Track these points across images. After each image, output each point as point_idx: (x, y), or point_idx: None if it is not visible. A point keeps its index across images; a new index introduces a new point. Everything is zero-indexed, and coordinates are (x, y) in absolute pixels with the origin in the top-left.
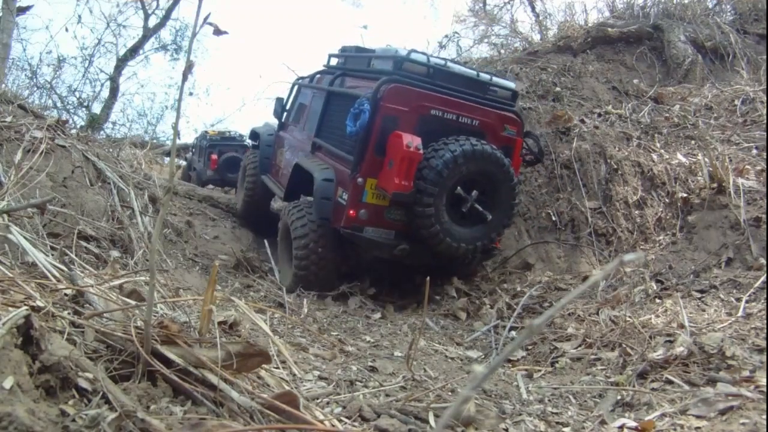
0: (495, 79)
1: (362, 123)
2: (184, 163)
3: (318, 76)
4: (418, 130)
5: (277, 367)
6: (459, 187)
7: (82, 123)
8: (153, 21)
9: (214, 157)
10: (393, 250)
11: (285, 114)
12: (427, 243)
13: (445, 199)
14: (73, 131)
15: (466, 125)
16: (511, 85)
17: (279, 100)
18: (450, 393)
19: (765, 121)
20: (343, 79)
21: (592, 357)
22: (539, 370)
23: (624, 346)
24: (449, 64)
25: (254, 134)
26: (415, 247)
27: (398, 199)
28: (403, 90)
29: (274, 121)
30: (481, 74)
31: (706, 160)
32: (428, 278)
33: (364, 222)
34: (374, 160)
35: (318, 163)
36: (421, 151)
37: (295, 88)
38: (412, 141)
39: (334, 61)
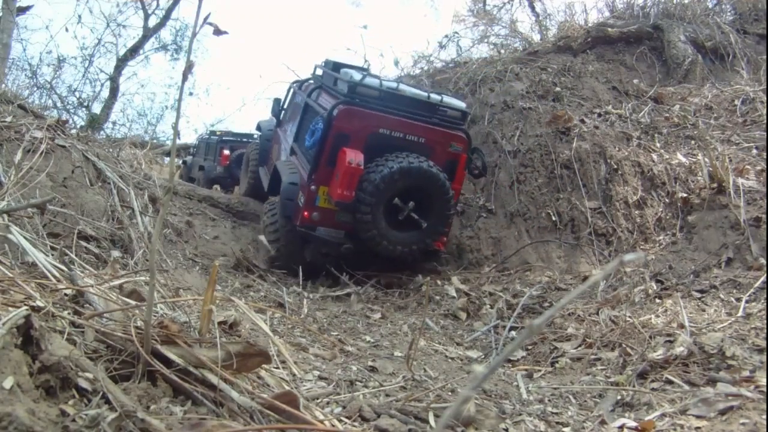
0: (446, 100)
1: (315, 140)
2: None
3: (306, 83)
4: (367, 146)
5: (277, 367)
6: (397, 198)
7: (82, 123)
8: (153, 21)
9: (226, 153)
10: (340, 247)
11: (282, 113)
12: (368, 244)
13: (382, 208)
14: (73, 131)
15: (412, 142)
16: (461, 105)
17: (276, 100)
18: (450, 393)
19: (765, 121)
20: (319, 93)
21: (592, 357)
22: (539, 370)
23: (624, 346)
24: (401, 86)
25: (259, 127)
26: (360, 246)
27: (340, 207)
28: (354, 111)
29: None
30: (432, 96)
31: (706, 160)
32: (428, 278)
33: (316, 222)
34: (326, 170)
35: (290, 166)
36: (362, 167)
37: (291, 90)
38: (354, 158)
39: (319, 72)
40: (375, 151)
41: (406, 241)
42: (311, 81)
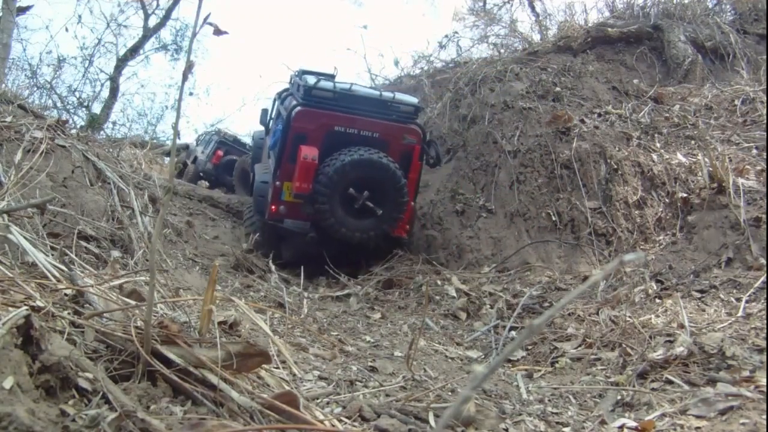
0: (398, 97)
1: (276, 140)
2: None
3: (284, 93)
4: (326, 143)
5: (277, 367)
6: (351, 188)
7: (82, 123)
8: (153, 21)
9: (220, 153)
10: (305, 237)
11: (270, 121)
12: (328, 232)
13: (338, 198)
14: (73, 131)
15: (368, 137)
16: (413, 101)
17: (264, 110)
18: (450, 393)
19: (765, 121)
20: (290, 99)
21: (592, 357)
22: (539, 370)
23: (624, 346)
24: (354, 87)
25: (253, 137)
26: (324, 236)
27: (299, 199)
28: (309, 112)
29: None
30: (384, 94)
31: (706, 160)
32: (428, 278)
33: (283, 215)
34: (289, 167)
35: (264, 168)
36: (316, 161)
37: (275, 100)
38: (308, 153)
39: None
40: (334, 147)
41: (364, 227)
42: (287, 89)
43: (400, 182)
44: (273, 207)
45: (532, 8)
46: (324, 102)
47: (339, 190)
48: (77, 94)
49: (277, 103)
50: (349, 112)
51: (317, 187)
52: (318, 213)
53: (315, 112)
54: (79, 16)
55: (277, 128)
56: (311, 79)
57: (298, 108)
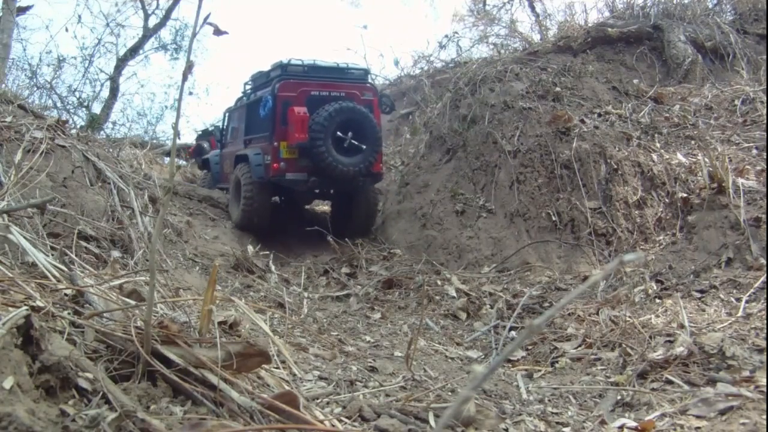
0: (351, 65)
1: (267, 109)
2: (183, 163)
3: (239, 100)
4: (306, 105)
5: (277, 367)
6: (339, 132)
7: (82, 123)
8: (153, 21)
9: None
10: (307, 183)
11: (222, 137)
12: (326, 172)
13: (330, 141)
14: (73, 131)
15: (336, 96)
16: (364, 66)
17: (217, 127)
18: (450, 393)
19: (765, 121)
20: (256, 93)
21: (592, 357)
22: (539, 370)
23: (624, 346)
24: (317, 62)
25: (206, 161)
26: (321, 178)
27: (300, 146)
28: (290, 83)
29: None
30: (340, 64)
31: (706, 160)
32: (428, 278)
33: (284, 170)
34: (282, 129)
35: (250, 148)
36: (308, 114)
37: (226, 115)
38: (300, 110)
39: (248, 87)
40: (314, 108)
41: (354, 162)
42: (242, 97)
43: (373, 122)
44: (275, 165)
45: (532, 8)
46: (298, 75)
47: (330, 134)
48: (77, 94)
49: (228, 116)
50: (319, 80)
51: (312, 134)
52: (316, 155)
53: (294, 82)
54: (79, 16)
55: (266, 100)
56: (284, 61)
57: (281, 81)
